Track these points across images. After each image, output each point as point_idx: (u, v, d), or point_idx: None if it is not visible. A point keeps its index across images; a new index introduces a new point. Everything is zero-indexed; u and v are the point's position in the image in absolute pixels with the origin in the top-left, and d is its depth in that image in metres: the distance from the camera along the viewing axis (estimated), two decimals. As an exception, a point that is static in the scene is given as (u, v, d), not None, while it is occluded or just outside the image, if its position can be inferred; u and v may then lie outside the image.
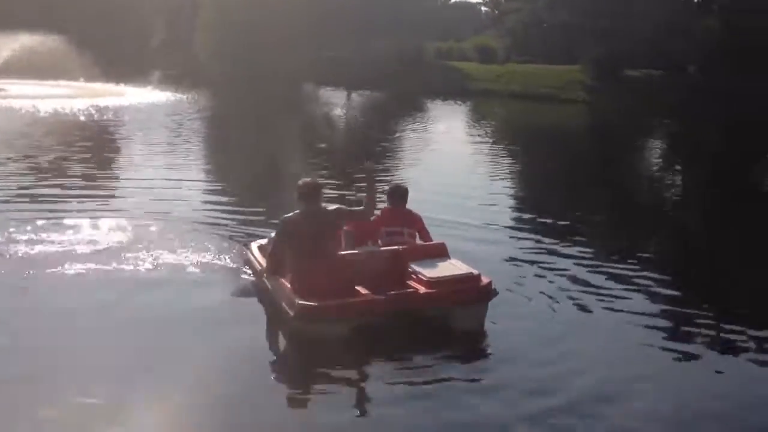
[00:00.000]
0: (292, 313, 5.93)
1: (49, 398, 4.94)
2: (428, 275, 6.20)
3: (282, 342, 6.18)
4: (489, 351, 6.02)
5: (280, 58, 42.20)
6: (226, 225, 9.46)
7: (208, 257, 7.80)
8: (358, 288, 6.28)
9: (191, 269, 7.50)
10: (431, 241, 7.15)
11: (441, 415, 4.97)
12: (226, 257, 7.85)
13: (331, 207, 6.64)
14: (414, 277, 6.34)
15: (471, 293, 6.16)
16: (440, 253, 6.69)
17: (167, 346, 5.85)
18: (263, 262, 6.97)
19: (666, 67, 40.41)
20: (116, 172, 14.17)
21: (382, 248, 6.75)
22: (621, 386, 5.46)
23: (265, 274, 6.71)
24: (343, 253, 6.56)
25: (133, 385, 5.16)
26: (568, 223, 11.00)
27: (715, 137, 27.14)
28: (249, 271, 7.39)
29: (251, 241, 7.81)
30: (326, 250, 6.40)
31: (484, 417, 4.97)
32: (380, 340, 5.81)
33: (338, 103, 36.22)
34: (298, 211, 6.47)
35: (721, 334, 6.62)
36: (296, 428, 4.95)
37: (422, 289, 6.15)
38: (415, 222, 7.24)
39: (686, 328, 6.74)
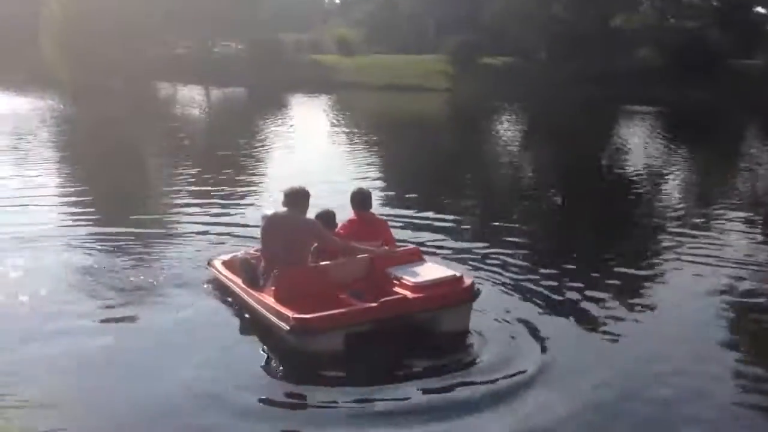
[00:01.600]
0: (287, 327, 5.88)
1: None
2: (414, 280, 6.26)
3: (274, 356, 6.04)
4: (480, 352, 6.02)
5: (131, 56, 40.50)
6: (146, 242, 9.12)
7: (162, 278, 7.55)
8: (342, 297, 6.33)
9: (155, 292, 7.24)
10: (395, 246, 7.14)
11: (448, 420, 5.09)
12: (182, 276, 7.63)
13: (311, 219, 6.65)
14: (398, 282, 6.37)
15: (458, 295, 6.26)
16: (416, 257, 6.77)
17: (156, 369, 5.72)
18: (232, 276, 6.90)
19: (518, 54, 42.42)
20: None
21: (358, 256, 6.75)
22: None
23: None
24: (323, 263, 6.57)
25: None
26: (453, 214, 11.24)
27: (565, 117, 28.96)
28: (217, 288, 7.24)
29: (212, 258, 7.63)
30: (300, 257, 6.45)
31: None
32: (372, 348, 5.88)
33: (198, 102, 35.28)
34: (281, 210, 6.49)
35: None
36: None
37: (410, 294, 6.20)
38: (382, 231, 7.13)
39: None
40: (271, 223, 6.47)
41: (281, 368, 5.85)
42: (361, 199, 7.13)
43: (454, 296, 6.25)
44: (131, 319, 6.67)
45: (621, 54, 38.65)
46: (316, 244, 6.65)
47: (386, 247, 6.89)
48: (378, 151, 18.99)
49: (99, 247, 8.76)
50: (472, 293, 6.33)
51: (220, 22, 46.11)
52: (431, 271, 6.49)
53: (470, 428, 5.03)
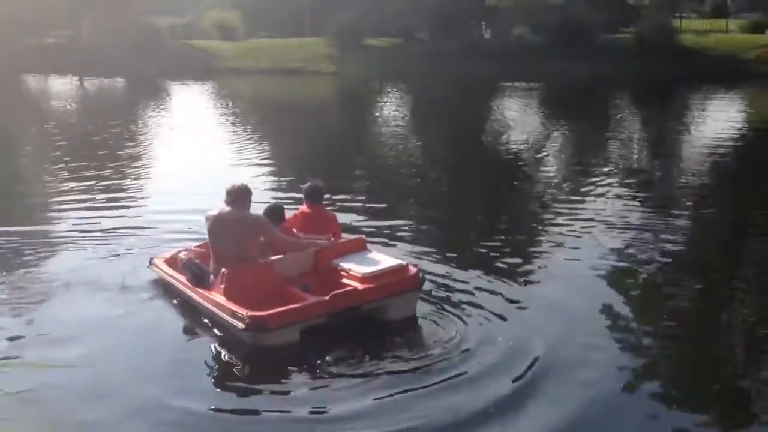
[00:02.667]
0: (242, 325, 5.86)
1: None
2: (362, 271, 6.35)
3: (228, 354, 6.02)
4: (428, 336, 6.24)
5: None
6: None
7: (102, 280, 7.34)
8: (292, 291, 6.35)
9: (98, 295, 7.02)
10: (340, 238, 7.16)
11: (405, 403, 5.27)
12: (123, 277, 7.44)
13: (256, 215, 6.61)
14: (345, 273, 6.44)
15: (405, 283, 6.41)
16: (360, 247, 6.83)
17: (108, 376, 5.63)
18: (177, 275, 6.78)
19: (401, 34, 42.88)
20: None
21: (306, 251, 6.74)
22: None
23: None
24: (271, 258, 6.55)
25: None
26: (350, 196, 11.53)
27: (449, 95, 29.73)
28: (162, 288, 7.08)
29: (154, 257, 7.44)
30: (247, 254, 6.42)
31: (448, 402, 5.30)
32: (324, 338, 5.96)
33: (70, 94, 33.54)
34: (225, 209, 6.42)
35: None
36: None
37: (359, 286, 6.28)
38: (330, 225, 7.20)
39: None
40: (217, 222, 6.40)
41: (236, 366, 5.85)
42: (312, 192, 7.22)
43: (402, 285, 6.39)
44: (78, 324, 6.45)
45: (499, 32, 39.81)
46: (263, 239, 6.63)
47: (332, 239, 6.95)
48: (270, 138, 18.90)
49: (25, 254, 8.32)
50: (419, 281, 6.48)
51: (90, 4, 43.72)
52: (378, 260, 6.60)
53: (424, 410, 5.18)
